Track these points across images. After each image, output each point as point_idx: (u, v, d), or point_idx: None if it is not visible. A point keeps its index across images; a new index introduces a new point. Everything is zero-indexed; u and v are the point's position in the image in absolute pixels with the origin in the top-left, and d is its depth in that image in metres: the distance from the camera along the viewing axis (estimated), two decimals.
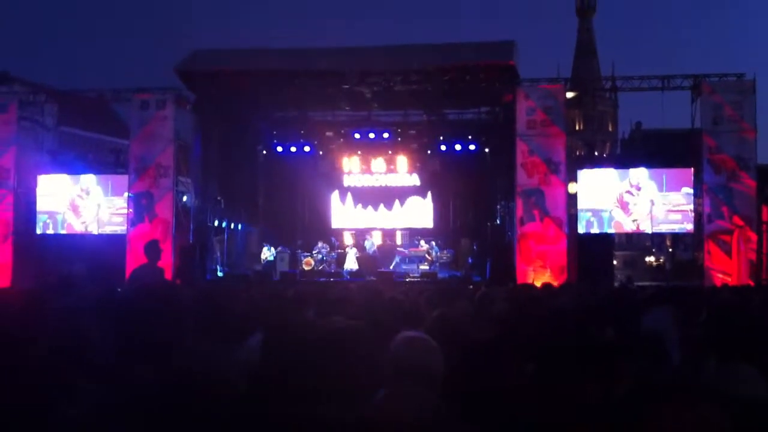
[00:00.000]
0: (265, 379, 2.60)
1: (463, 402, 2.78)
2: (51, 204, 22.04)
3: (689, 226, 20.40)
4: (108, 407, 2.32)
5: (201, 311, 4.00)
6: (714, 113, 19.85)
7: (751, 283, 17.94)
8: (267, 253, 24.34)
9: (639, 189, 20.31)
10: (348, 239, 26.42)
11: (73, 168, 23.17)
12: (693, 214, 20.08)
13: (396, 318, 4.40)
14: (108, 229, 21.73)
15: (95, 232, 21.77)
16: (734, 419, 1.78)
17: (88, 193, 21.96)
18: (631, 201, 20.34)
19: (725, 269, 19.31)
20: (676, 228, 20.87)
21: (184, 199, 22.35)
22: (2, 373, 2.42)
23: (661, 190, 20.22)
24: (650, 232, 21.76)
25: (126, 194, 21.33)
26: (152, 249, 8.63)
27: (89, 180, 22.13)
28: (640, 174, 20.47)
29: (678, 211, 20.19)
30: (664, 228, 21.04)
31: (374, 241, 25.68)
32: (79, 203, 21.93)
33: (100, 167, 23.77)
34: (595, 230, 20.44)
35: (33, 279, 18.30)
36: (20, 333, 2.86)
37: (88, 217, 21.88)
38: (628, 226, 20.96)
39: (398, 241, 26.43)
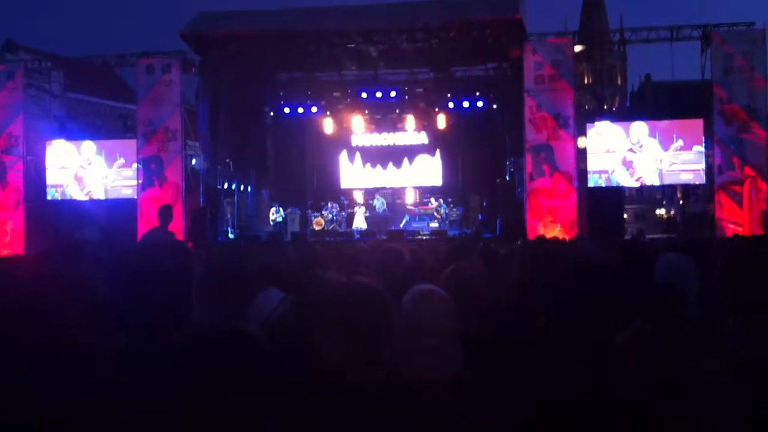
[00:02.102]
0: (290, 337, 2.63)
1: (479, 359, 2.79)
2: (59, 171, 22.10)
3: (701, 181, 20.36)
4: (132, 370, 2.35)
5: (214, 271, 4.04)
6: (724, 64, 19.64)
7: (762, 232, 17.91)
8: (275, 215, 24.41)
9: (642, 147, 20.20)
10: (357, 198, 26.42)
11: (81, 134, 23.18)
12: (704, 171, 19.99)
13: (412, 275, 4.43)
14: (117, 194, 21.78)
15: (102, 198, 21.82)
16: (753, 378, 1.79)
17: (95, 160, 21.97)
18: (635, 159, 20.24)
19: (736, 220, 19.28)
20: (686, 179, 20.84)
21: (193, 162, 22.38)
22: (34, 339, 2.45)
23: (667, 149, 20.10)
24: (658, 184, 21.70)
25: (135, 160, 21.36)
26: (165, 213, 8.77)
27: (97, 146, 22.15)
28: (644, 129, 20.37)
29: (689, 170, 20.12)
30: (672, 180, 21.04)
31: (384, 199, 25.69)
32: (86, 169, 21.96)
33: (108, 133, 23.81)
34: (603, 184, 20.39)
35: (45, 245, 18.43)
36: (33, 300, 2.88)
37: (95, 184, 21.91)
38: (633, 185, 20.95)
39: (408, 200, 26.39)
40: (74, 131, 23.65)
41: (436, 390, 1.70)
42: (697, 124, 20.23)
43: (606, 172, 20.38)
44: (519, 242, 11.93)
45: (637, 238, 15.07)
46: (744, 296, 3.12)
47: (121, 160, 21.86)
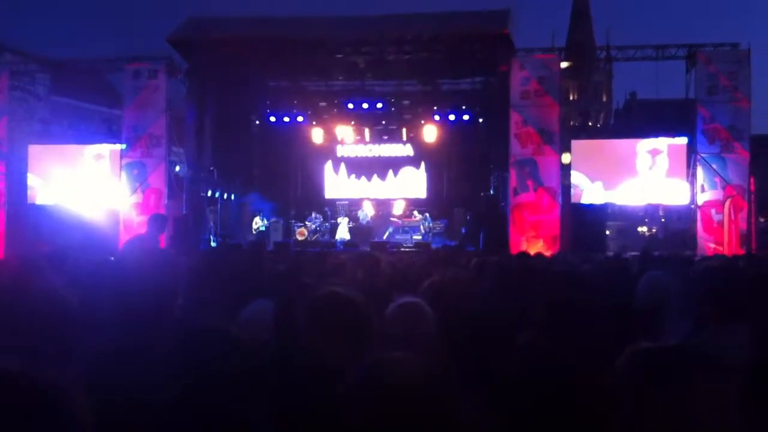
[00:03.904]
0: (275, 342, 2.61)
1: (456, 368, 2.79)
2: (41, 174, 21.91)
3: (684, 201, 20.52)
4: (115, 372, 2.33)
5: (197, 278, 4.02)
6: (709, 83, 19.80)
7: (743, 252, 18.03)
8: (259, 223, 24.34)
9: (632, 164, 20.34)
10: (341, 209, 26.40)
11: (65, 138, 23.03)
12: (689, 191, 20.14)
13: (392, 285, 4.43)
14: (99, 199, 21.58)
15: (84, 202, 21.60)
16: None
17: (78, 163, 21.81)
18: (622, 177, 20.38)
19: (717, 239, 19.41)
20: (670, 201, 21.03)
21: (177, 169, 22.27)
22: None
23: (650, 167, 20.25)
24: (643, 204, 21.87)
25: (118, 165, 21.23)
26: (157, 221, 8.62)
27: (80, 150, 22.00)
28: (627, 147, 20.56)
29: (672, 190, 20.29)
30: (656, 201, 21.19)
31: (367, 211, 25.69)
32: (69, 173, 21.79)
33: (92, 137, 23.64)
34: (590, 200, 20.50)
35: (25, 250, 18.26)
36: (11, 310, 2.85)
37: (77, 188, 21.72)
38: (619, 201, 21.08)
39: (392, 212, 26.40)
40: (58, 134, 23.49)
41: (415, 393, 1.70)
42: (681, 143, 20.39)
43: (591, 185, 20.51)
44: (500, 256, 11.94)
45: (619, 255, 15.11)
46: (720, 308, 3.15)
47: (105, 165, 21.70)
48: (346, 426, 1.71)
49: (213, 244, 22.61)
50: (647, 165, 20.24)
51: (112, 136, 23.05)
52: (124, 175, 21.05)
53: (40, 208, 21.71)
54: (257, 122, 26.72)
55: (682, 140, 20.38)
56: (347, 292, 2.60)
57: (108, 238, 19.20)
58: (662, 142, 20.43)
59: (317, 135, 26.52)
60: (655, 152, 20.29)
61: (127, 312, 2.65)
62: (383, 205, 26.51)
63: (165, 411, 1.96)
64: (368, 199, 26.44)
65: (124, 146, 21.18)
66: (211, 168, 23.17)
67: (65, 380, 1.58)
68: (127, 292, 2.82)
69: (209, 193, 23.17)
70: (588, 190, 20.39)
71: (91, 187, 21.64)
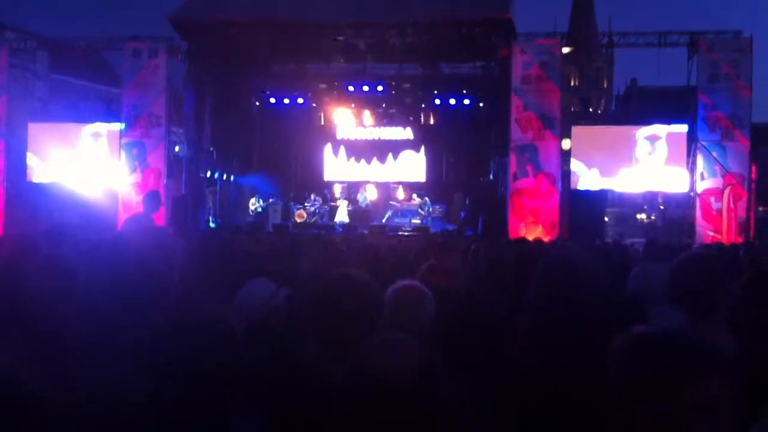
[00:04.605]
0: (280, 330, 2.61)
1: (453, 353, 2.80)
2: (40, 152, 21.86)
3: (683, 189, 20.52)
4: (110, 355, 2.33)
5: (197, 259, 4.02)
6: (710, 71, 19.74)
7: (740, 240, 18.05)
8: (255, 204, 24.33)
9: (630, 151, 20.31)
10: (340, 192, 26.36)
11: (64, 116, 22.96)
12: (688, 179, 20.13)
13: (391, 269, 4.43)
14: (98, 179, 21.54)
15: (83, 181, 21.57)
16: None
17: (77, 142, 21.75)
18: (619, 164, 20.35)
19: (716, 227, 19.41)
20: (669, 189, 21.03)
21: (177, 149, 22.24)
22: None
23: (650, 154, 20.22)
24: (641, 191, 21.86)
25: (117, 144, 21.20)
26: (152, 199, 8.50)
27: (79, 129, 21.93)
28: (628, 133, 20.53)
29: (671, 177, 20.27)
30: (654, 188, 21.18)
31: (367, 194, 25.66)
32: (67, 151, 21.73)
33: (91, 116, 23.55)
34: (586, 187, 20.47)
35: (23, 227, 18.25)
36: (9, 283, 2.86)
37: (76, 167, 21.67)
38: (617, 188, 21.07)
39: (391, 195, 26.37)
40: (57, 113, 23.42)
41: (408, 382, 1.70)
42: (680, 130, 20.36)
43: (590, 171, 20.50)
44: (498, 241, 11.96)
45: (618, 242, 15.15)
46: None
47: (103, 144, 21.64)
48: (343, 415, 1.71)
49: (212, 225, 22.62)
50: (646, 152, 20.20)
51: (111, 116, 22.96)
52: (123, 154, 21.01)
53: (38, 187, 21.66)
54: (257, 104, 26.64)
55: (682, 127, 20.34)
56: (359, 275, 2.59)
57: (107, 218, 19.18)
58: (661, 129, 20.39)
59: (317, 117, 26.44)
60: (653, 138, 20.25)
61: (124, 290, 2.65)
62: (382, 189, 26.47)
63: (150, 400, 1.96)
64: (368, 182, 26.40)
65: (123, 126, 21.13)
66: (211, 149, 23.13)
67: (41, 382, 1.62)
68: (125, 270, 2.82)
69: (208, 174, 23.14)
70: (584, 177, 20.37)
71: (88, 166, 21.58)
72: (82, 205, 20.30)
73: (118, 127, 21.37)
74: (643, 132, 20.41)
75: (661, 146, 20.20)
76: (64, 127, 22.03)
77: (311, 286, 2.63)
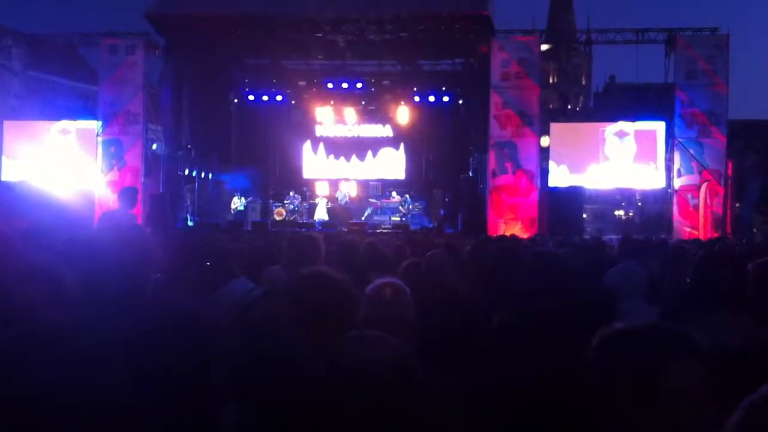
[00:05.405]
0: (257, 325, 2.60)
1: (433, 349, 2.79)
2: (15, 150, 21.62)
3: (654, 186, 20.74)
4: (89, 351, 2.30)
5: (174, 257, 3.98)
6: (688, 67, 19.90)
7: (717, 236, 18.21)
8: (238, 203, 24.21)
9: (599, 147, 20.46)
10: (320, 189, 26.28)
11: (41, 113, 22.73)
12: (659, 175, 20.31)
13: (370, 266, 4.42)
14: (68, 176, 21.31)
15: (59, 179, 21.34)
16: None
17: (52, 140, 21.53)
18: (588, 161, 20.50)
19: (693, 223, 19.58)
20: (638, 185, 21.27)
21: (154, 147, 22.06)
22: None
23: (628, 150, 20.39)
24: (610, 188, 22.04)
25: (94, 142, 21.01)
26: (128, 195, 8.39)
27: (55, 126, 21.72)
28: (606, 130, 20.67)
29: (648, 174, 20.45)
30: (623, 185, 21.42)
31: (346, 192, 25.61)
32: (43, 149, 21.52)
33: (68, 113, 23.32)
34: (556, 184, 20.58)
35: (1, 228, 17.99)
36: None
37: (52, 165, 21.44)
38: (586, 185, 21.20)
39: (371, 192, 26.31)
40: (33, 110, 23.18)
41: (381, 376, 1.70)
42: (650, 128, 20.54)
43: (568, 169, 20.62)
44: (477, 238, 11.98)
45: (597, 238, 15.20)
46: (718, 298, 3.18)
47: (72, 141, 21.44)
48: (319, 407, 1.70)
49: (190, 223, 22.48)
50: (614, 148, 20.36)
51: (88, 113, 22.75)
52: (100, 152, 20.83)
53: (7, 186, 21.37)
54: (236, 101, 26.48)
55: (652, 124, 20.57)
56: (332, 272, 2.58)
57: (82, 216, 19.00)
58: (629, 126, 20.56)
59: (296, 114, 26.35)
60: (621, 134, 20.42)
61: (98, 287, 2.62)
62: (362, 186, 26.43)
63: (132, 398, 1.94)
64: (347, 179, 26.35)
65: (99, 123, 20.95)
66: (189, 146, 22.97)
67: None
68: (99, 266, 2.78)
69: (186, 172, 22.98)
70: (553, 174, 20.49)
71: (58, 163, 21.33)
72: (53, 203, 20.08)
73: (90, 124, 21.17)
74: (611, 129, 20.58)
75: (629, 143, 20.37)
76: (35, 125, 21.80)
77: (284, 283, 2.62)
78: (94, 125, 21.16)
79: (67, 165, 21.37)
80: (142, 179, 20.65)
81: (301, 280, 2.54)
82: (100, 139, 20.88)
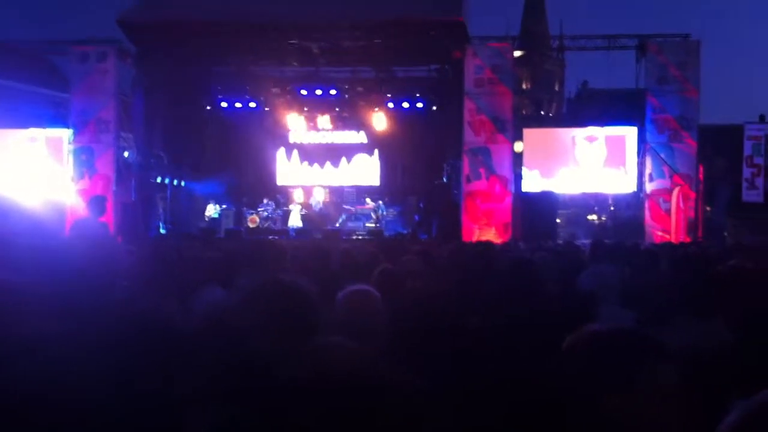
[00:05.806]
0: (223, 331, 2.57)
1: (407, 355, 2.76)
2: None
3: (625, 190, 20.96)
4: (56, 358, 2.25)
5: (145, 266, 3.93)
6: (659, 73, 20.10)
7: (689, 240, 18.40)
8: (212, 210, 24.03)
9: (570, 152, 20.64)
10: (293, 196, 26.18)
11: (10, 122, 22.45)
12: (630, 180, 20.53)
13: (344, 273, 4.39)
14: (36, 184, 21.01)
15: (30, 188, 21.04)
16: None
17: (22, 149, 21.27)
18: (559, 165, 20.66)
19: (665, 227, 19.76)
20: (609, 190, 21.52)
21: (126, 155, 21.86)
22: None
23: (600, 156, 20.59)
24: (580, 193, 22.24)
25: (65, 149, 20.78)
26: (97, 203, 8.44)
27: (25, 135, 21.46)
28: (578, 135, 20.85)
29: (620, 179, 20.66)
30: (593, 189, 21.64)
31: (320, 198, 25.53)
32: (13, 158, 21.23)
33: (38, 121, 23.05)
34: (527, 189, 20.72)
35: None
36: None
37: (22, 174, 21.15)
38: (557, 189, 21.34)
39: (345, 199, 26.28)
40: (2, 119, 22.88)
41: (345, 383, 1.68)
42: (619, 133, 20.75)
43: (540, 174, 20.78)
44: (452, 244, 12.00)
45: (570, 243, 15.28)
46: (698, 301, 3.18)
47: (40, 149, 21.19)
48: (283, 415, 1.68)
49: (162, 231, 22.30)
50: (585, 153, 20.56)
51: (59, 121, 22.50)
52: (71, 160, 20.60)
53: None
54: (208, 108, 26.31)
55: (622, 130, 20.80)
56: (290, 279, 2.55)
57: (52, 225, 18.74)
58: (599, 131, 20.77)
59: (269, 121, 26.24)
60: (591, 139, 20.64)
61: (63, 295, 2.57)
62: (336, 193, 26.37)
63: (100, 402, 1.90)
64: (321, 186, 26.28)
65: (71, 131, 20.72)
66: (161, 154, 22.79)
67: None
68: (64, 275, 2.74)
69: (159, 180, 22.80)
70: (526, 179, 20.67)
71: (26, 171, 21.06)
72: (23, 212, 19.78)
73: (59, 132, 20.94)
74: (581, 134, 20.77)
75: (600, 147, 20.58)
76: (9, 134, 21.53)
77: (245, 292, 2.60)
78: (64, 133, 20.94)
79: (35, 173, 21.10)
80: (114, 187, 20.44)
81: (258, 288, 2.52)
82: (71, 147, 20.65)
